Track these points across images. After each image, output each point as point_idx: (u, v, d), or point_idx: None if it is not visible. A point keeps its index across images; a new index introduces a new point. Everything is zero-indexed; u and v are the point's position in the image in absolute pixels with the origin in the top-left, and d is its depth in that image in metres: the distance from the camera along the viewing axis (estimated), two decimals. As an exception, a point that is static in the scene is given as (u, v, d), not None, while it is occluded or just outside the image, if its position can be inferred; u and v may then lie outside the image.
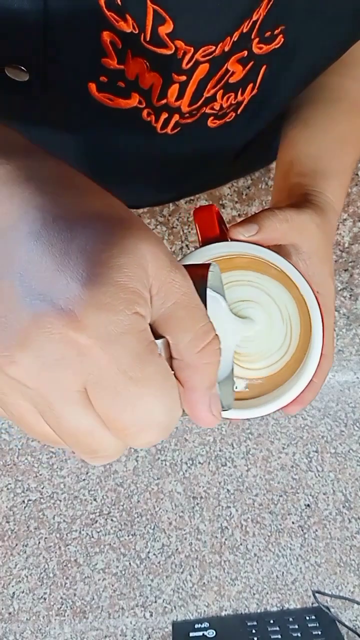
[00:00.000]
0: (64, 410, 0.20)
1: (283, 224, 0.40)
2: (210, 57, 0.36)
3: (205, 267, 0.25)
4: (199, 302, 0.22)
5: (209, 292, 0.24)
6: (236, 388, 0.43)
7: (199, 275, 0.24)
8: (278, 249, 0.41)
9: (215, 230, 0.41)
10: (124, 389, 0.20)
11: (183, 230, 0.87)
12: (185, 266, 0.22)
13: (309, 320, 0.41)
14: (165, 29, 0.33)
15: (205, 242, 0.41)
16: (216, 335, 0.22)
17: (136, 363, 0.20)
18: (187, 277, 0.22)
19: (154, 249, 0.20)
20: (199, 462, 0.87)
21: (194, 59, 0.36)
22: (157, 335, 0.21)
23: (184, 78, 0.37)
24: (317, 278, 0.41)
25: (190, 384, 0.22)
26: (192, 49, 0.35)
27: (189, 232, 0.87)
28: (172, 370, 0.22)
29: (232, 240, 0.40)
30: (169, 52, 0.35)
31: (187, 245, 0.88)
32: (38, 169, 0.22)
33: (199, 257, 0.41)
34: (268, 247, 0.40)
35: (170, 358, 0.22)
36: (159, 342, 0.21)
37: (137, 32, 0.34)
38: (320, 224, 0.42)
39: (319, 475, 0.87)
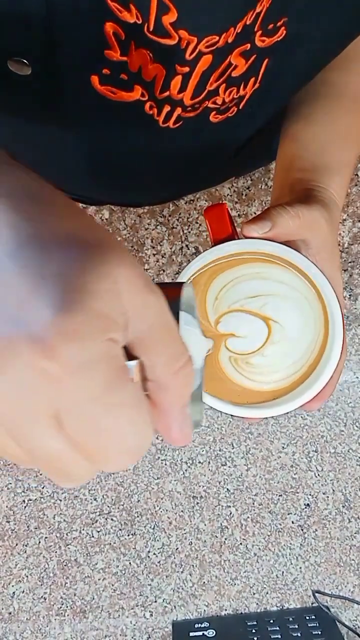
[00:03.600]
0: (34, 435, 0.20)
1: (295, 220, 0.40)
2: (214, 48, 0.36)
3: (179, 286, 0.25)
4: (174, 324, 0.22)
5: (181, 313, 0.24)
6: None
7: (172, 295, 0.24)
8: (287, 245, 0.41)
9: (228, 229, 0.42)
10: (95, 416, 0.20)
11: (183, 231, 0.87)
12: (160, 285, 0.22)
13: (326, 316, 0.41)
14: (169, 18, 0.33)
15: (217, 241, 0.41)
16: (189, 356, 0.23)
17: (108, 390, 0.19)
18: (162, 299, 0.22)
19: (130, 272, 0.20)
20: (199, 462, 0.87)
21: (197, 50, 0.36)
22: (131, 356, 0.21)
23: (187, 69, 0.37)
24: (327, 272, 0.41)
25: (163, 405, 0.22)
26: (195, 39, 0.35)
27: (189, 232, 0.87)
28: (145, 391, 0.22)
29: (245, 237, 0.40)
30: (172, 42, 0.35)
31: (187, 246, 0.88)
32: (14, 185, 0.21)
33: (212, 256, 0.41)
34: (282, 243, 0.40)
35: (144, 379, 0.22)
36: (132, 364, 0.21)
37: (140, 22, 0.34)
38: (328, 218, 0.42)
39: (318, 474, 0.87)
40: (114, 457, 0.21)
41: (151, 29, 0.34)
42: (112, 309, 0.19)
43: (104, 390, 0.19)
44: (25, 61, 0.36)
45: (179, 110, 0.41)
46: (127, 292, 0.20)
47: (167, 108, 0.40)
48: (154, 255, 0.88)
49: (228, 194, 0.86)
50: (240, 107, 0.43)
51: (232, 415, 0.43)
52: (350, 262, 0.94)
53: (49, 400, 0.19)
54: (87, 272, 0.19)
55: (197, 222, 0.87)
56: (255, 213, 0.87)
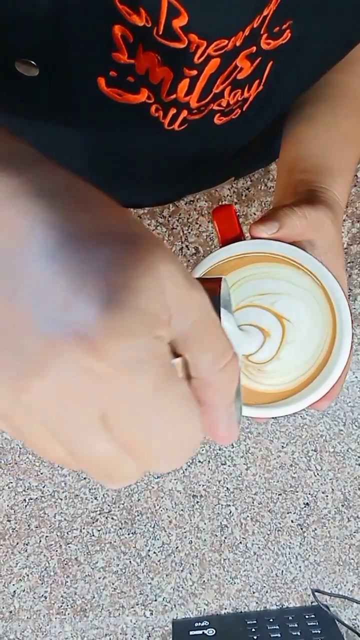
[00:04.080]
0: (82, 437, 0.19)
1: (302, 221, 0.40)
2: (222, 51, 0.36)
3: (218, 281, 0.24)
4: (217, 320, 0.21)
5: (222, 308, 0.23)
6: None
7: (212, 289, 0.23)
8: (295, 245, 0.41)
9: (236, 230, 0.42)
10: (145, 416, 0.19)
11: (183, 231, 0.87)
12: (199, 280, 0.22)
13: (334, 316, 0.41)
14: (179, 22, 0.33)
15: (226, 241, 0.41)
16: (234, 353, 0.22)
17: (157, 389, 0.19)
18: (204, 294, 0.21)
19: (171, 267, 0.20)
20: (199, 461, 0.88)
21: (206, 53, 0.36)
22: (174, 354, 0.21)
23: (194, 72, 0.37)
24: (333, 272, 0.41)
25: (210, 403, 0.22)
26: (205, 42, 0.35)
27: (189, 233, 0.87)
28: (191, 389, 0.21)
29: (252, 238, 0.40)
30: (181, 46, 0.35)
31: (187, 246, 0.88)
32: (49, 182, 0.21)
33: (221, 256, 0.41)
34: (291, 244, 0.40)
35: (187, 377, 0.21)
36: (177, 361, 0.21)
37: (149, 25, 0.33)
38: (333, 219, 0.42)
39: (318, 474, 0.87)
40: (165, 457, 0.20)
41: (160, 32, 0.34)
42: (157, 306, 0.19)
43: (153, 389, 0.19)
44: (33, 62, 0.36)
45: (184, 113, 0.41)
46: (169, 288, 0.19)
47: (173, 111, 0.41)
48: (154, 255, 0.88)
49: (228, 195, 0.86)
50: (244, 109, 0.43)
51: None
52: (349, 262, 0.95)
53: (97, 401, 0.19)
54: (129, 269, 0.18)
55: (197, 223, 0.87)
56: (255, 214, 0.87)
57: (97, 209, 0.21)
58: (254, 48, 0.37)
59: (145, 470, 0.21)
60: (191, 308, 0.20)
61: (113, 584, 0.77)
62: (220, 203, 0.85)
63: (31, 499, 0.84)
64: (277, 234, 0.40)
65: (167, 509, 0.83)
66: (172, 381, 0.19)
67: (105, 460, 0.20)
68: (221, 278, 0.25)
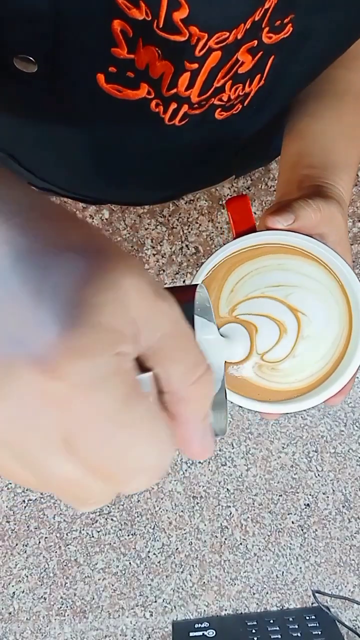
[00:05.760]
0: (46, 461, 0.19)
1: (317, 213, 0.40)
2: (223, 44, 0.35)
3: (192, 289, 0.24)
4: (189, 331, 0.21)
5: (196, 317, 0.23)
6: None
7: (185, 299, 0.22)
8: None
9: (251, 221, 0.41)
10: (110, 437, 0.18)
11: (183, 231, 0.87)
12: (171, 290, 0.21)
13: (350, 309, 0.41)
14: (180, 15, 0.33)
15: (240, 233, 0.41)
16: (208, 365, 0.21)
17: (120, 408, 0.18)
18: (174, 305, 0.20)
19: (136, 280, 0.19)
20: (199, 462, 0.87)
21: (207, 46, 0.35)
22: (145, 368, 0.20)
23: (195, 66, 0.37)
24: None
25: (183, 417, 0.21)
26: (206, 35, 0.34)
27: (189, 232, 0.87)
28: (163, 403, 0.21)
29: (267, 229, 0.40)
30: (182, 39, 0.34)
31: (187, 246, 0.88)
32: (8, 197, 0.20)
33: (237, 247, 0.41)
34: (309, 235, 0.40)
35: (160, 392, 0.20)
36: (146, 376, 0.20)
37: (150, 18, 0.33)
38: (343, 213, 0.42)
39: (318, 474, 0.87)
40: (133, 478, 0.20)
41: (161, 25, 0.33)
42: (120, 321, 0.18)
43: (116, 408, 0.18)
44: (31, 58, 0.36)
45: (185, 108, 0.41)
46: (134, 301, 0.19)
47: (173, 105, 0.40)
48: (154, 255, 0.88)
49: (228, 194, 0.86)
50: (245, 104, 0.43)
51: (252, 410, 0.42)
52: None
53: (58, 423, 0.18)
54: (90, 284, 0.18)
55: (197, 222, 0.87)
56: (255, 213, 0.87)
57: (58, 224, 0.20)
58: (255, 42, 0.37)
59: (116, 491, 0.21)
60: (159, 320, 0.20)
61: (113, 585, 0.77)
62: (220, 202, 0.85)
63: (30, 500, 0.84)
64: (292, 225, 0.40)
65: (167, 510, 0.83)
66: (135, 398, 0.19)
67: (72, 484, 0.20)
68: (196, 286, 0.24)
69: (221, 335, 0.39)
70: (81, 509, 0.21)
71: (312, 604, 0.75)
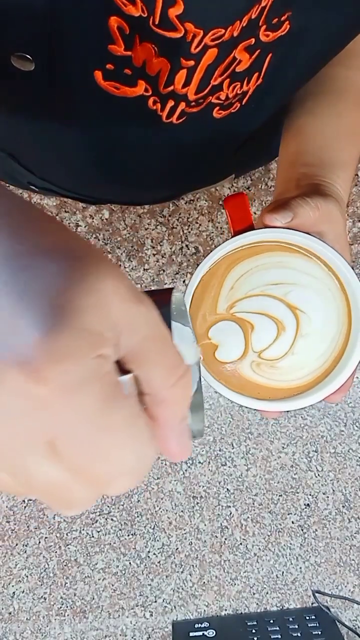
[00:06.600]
0: (29, 465, 0.19)
1: (315, 211, 0.40)
2: (219, 41, 0.36)
3: (168, 292, 0.24)
4: (167, 334, 0.21)
5: (172, 322, 0.23)
6: None
7: (162, 303, 0.23)
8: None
9: (249, 219, 0.41)
10: (92, 439, 0.19)
11: (183, 231, 0.87)
12: (148, 293, 0.21)
13: (349, 307, 0.41)
14: (175, 11, 0.33)
15: (238, 231, 0.41)
16: (187, 367, 0.21)
17: (102, 410, 0.18)
18: (152, 308, 0.20)
19: (117, 283, 0.19)
20: (199, 462, 0.87)
21: (202, 43, 0.35)
22: (124, 371, 0.20)
23: (192, 63, 0.37)
24: None
25: (162, 419, 0.21)
26: (201, 31, 0.34)
27: (189, 232, 0.87)
28: (143, 405, 0.21)
29: (265, 226, 0.40)
30: (178, 36, 0.34)
31: (187, 246, 0.88)
32: None
33: (235, 244, 0.41)
34: (308, 233, 0.40)
35: (140, 394, 0.21)
36: (127, 378, 0.20)
37: (145, 15, 0.33)
38: (342, 212, 0.42)
39: (318, 474, 0.87)
40: (116, 480, 0.20)
41: (157, 22, 0.34)
42: (100, 324, 0.18)
43: (98, 410, 0.18)
44: (28, 56, 0.36)
45: (182, 105, 0.41)
46: (115, 305, 0.19)
47: (170, 103, 0.40)
48: (153, 255, 0.88)
49: (228, 194, 0.86)
50: (244, 102, 0.43)
51: (251, 408, 0.42)
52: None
53: (41, 427, 0.18)
54: (71, 287, 0.18)
55: (197, 222, 0.87)
56: (255, 213, 0.87)
57: (40, 228, 0.20)
58: (253, 40, 0.37)
59: (99, 494, 0.21)
60: (139, 323, 0.20)
61: (113, 585, 0.76)
62: (220, 202, 0.85)
63: (30, 500, 0.84)
64: (290, 223, 0.40)
65: (167, 510, 0.83)
66: (117, 400, 0.19)
67: (57, 487, 0.20)
68: (172, 289, 0.24)
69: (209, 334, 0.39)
70: (65, 513, 0.22)
71: (312, 604, 0.75)
